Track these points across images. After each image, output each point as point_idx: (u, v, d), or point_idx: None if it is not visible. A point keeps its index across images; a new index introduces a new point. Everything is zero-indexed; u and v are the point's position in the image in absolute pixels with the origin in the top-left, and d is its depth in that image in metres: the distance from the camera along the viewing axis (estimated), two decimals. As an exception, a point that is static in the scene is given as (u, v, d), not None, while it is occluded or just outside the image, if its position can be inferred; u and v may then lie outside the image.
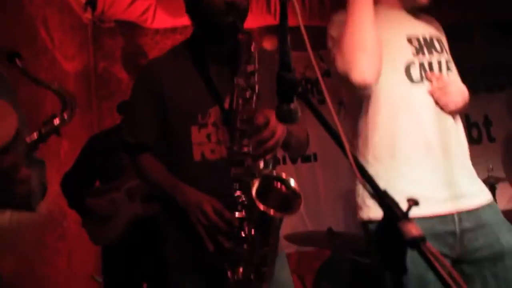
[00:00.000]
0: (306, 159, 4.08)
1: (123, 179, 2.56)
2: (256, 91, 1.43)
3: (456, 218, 1.56)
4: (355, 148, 1.65)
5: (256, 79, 1.43)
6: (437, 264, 0.73)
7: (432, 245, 0.76)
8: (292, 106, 1.05)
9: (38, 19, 3.00)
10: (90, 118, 3.82)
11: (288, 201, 1.32)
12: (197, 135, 1.52)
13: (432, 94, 1.61)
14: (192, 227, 1.42)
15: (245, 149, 1.40)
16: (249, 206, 1.36)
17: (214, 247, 1.37)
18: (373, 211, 1.53)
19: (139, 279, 2.67)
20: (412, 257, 1.48)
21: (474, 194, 1.63)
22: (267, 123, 1.38)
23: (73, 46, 3.61)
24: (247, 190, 1.36)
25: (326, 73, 1.77)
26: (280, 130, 1.40)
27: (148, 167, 1.59)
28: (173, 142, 1.57)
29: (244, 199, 1.37)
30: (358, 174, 0.85)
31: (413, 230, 0.75)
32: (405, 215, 0.77)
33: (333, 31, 1.63)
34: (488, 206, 1.62)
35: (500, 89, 4.55)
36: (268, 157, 1.40)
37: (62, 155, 3.15)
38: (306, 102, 1.01)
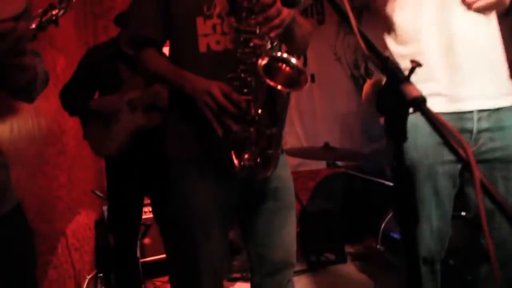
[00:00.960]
0: (305, 79, 4.08)
1: (123, 91, 2.54)
2: None
3: (476, 117, 1.55)
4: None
5: None
6: (438, 123, 0.75)
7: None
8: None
9: None
10: (86, 35, 3.76)
11: (294, 80, 1.33)
12: (202, 26, 1.49)
13: None
14: (198, 118, 1.43)
15: (252, 29, 1.38)
16: (255, 88, 1.36)
17: (223, 131, 1.38)
18: None
19: (141, 192, 2.72)
20: (424, 147, 1.50)
21: (498, 95, 1.58)
22: (274, 2, 1.36)
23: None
24: (253, 71, 1.36)
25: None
26: (286, 11, 1.38)
27: (152, 60, 1.57)
28: (178, 35, 1.55)
29: (249, 80, 1.37)
30: (363, 45, 0.86)
31: (414, 91, 0.77)
32: (406, 78, 0.79)
33: None
34: None
35: (506, 13, 4.47)
36: (273, 35, 1.39)
37: (59, 72, 3.13)
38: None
